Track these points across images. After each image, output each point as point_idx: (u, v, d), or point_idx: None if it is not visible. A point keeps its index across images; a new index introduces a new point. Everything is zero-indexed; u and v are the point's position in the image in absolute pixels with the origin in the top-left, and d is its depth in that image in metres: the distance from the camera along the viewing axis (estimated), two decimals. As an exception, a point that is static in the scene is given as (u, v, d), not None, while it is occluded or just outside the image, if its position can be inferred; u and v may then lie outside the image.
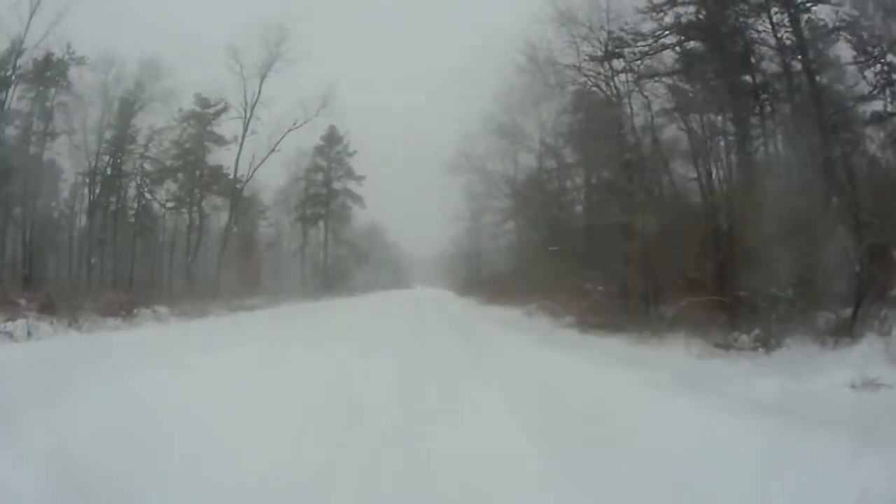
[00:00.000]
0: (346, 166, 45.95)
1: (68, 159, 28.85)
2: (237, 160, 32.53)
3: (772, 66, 19.67)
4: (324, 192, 45.70)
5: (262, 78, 32.09)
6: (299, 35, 31.56)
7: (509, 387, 9.87)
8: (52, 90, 26.98)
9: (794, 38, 18.94)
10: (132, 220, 31.22)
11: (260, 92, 32.13)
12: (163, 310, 22.61)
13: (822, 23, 18.49)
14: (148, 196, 31.94)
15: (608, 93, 25.03)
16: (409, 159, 46.04)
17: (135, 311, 21.03)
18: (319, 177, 45.94)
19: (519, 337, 18.41)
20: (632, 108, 24.26)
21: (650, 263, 17.39)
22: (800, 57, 18.74)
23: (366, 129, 41.55)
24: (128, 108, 29.61)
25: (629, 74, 24.08)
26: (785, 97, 19.50)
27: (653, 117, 23.44)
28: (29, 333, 15.19)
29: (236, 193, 33.16)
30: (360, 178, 45.47)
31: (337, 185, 45.87)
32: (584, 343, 16.23)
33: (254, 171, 32.68)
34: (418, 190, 45.38)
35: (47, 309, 17.85)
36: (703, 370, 11.25)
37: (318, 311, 29.93)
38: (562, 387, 9.83)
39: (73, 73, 27.78)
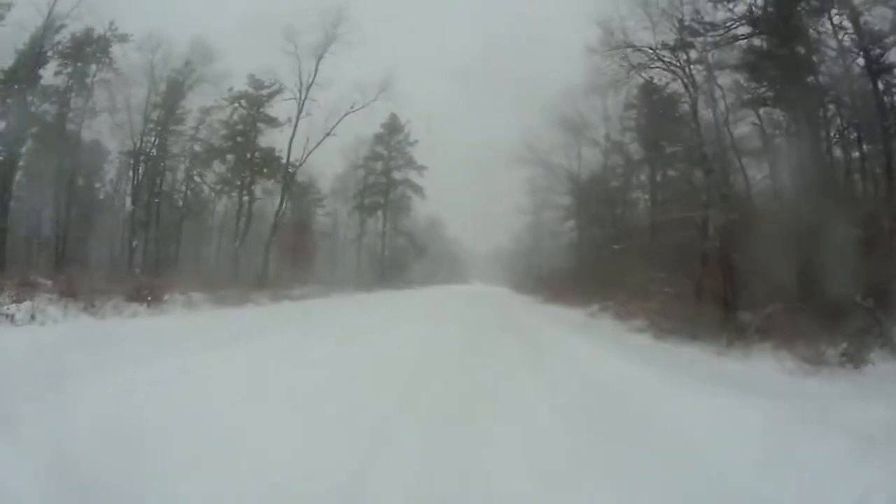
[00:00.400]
0: (406, 156, 44.51)
1: (111, 139, 28.19)
2: (290, 142, 31.16)
3: (835, 68, 19.20)
4: (383, 181, 44.34)
5: (319, 58, 30.74)
6: (358, 19, 30.29)
7: (587, 420, 7.54)
8: (93, 66, 26.22)
9: (854, 40, 18.33)
10: (180, 202, 30.51)
11: (316, 73, 30.79)
12: (198, 296, 21.51)
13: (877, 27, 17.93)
14: (197, 178, 31.06)
15: (685, 81, 23.04)
16: (471, 152, 44.12)
17: (165, 296, 19.91)
18: (379, 165, 44.64)
19: (587, 342, 16.43)
20: (711, 99, 22.51)
21: (729, 264, 15.21)
22: (861, 59, 18.21)
23: (426, 121, 40.35)
24: (176, 87, 28.70)
25: (700, 66, 22.68)
26: (847, 100, 19.05)
27: (727, 110, 22.03)
28: (32, 317, 14.13)
29: (288, 177, 31.81)
30: (421, 168, 43.93)
31: (397, 175, 44.44)
32: (662, 353, 14.13)
33: (308, 154, 31.35)
34: (479, 185, 43.33)
35: (68, 292, 16.79)
36: (807, 393, 9.60)
37: (367, 304, 28.75)
38: (658, 420, 7.63)
39: (117, 51, 27.08)
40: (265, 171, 31.62)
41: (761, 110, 21.42)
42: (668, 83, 24.42)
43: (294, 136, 30.91)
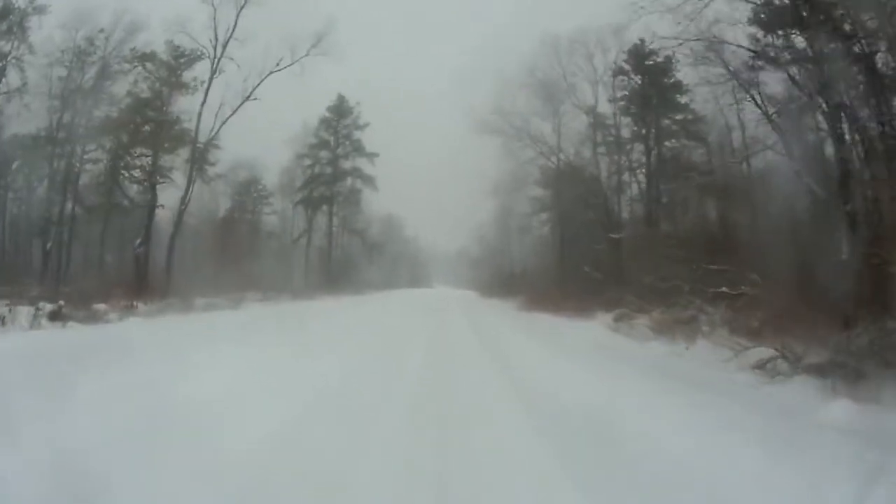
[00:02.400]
0: (356, 142, 38.97)
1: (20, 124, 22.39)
2: (200, 110, 25.12)
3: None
4: (330, 171, 38.63)
5: (240, 7, 24.90)
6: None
7: None
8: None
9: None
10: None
11: (236, 25, 24.91)
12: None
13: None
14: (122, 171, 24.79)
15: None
16: (429, 145, 40.76)
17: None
18: (325, 154, 38.98)
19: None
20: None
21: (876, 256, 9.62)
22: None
23: (380, 111, 36.69)
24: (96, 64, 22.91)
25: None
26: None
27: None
28: None
29: (196, 152, 25.58)
30: (372, 156, 38.69)
31: (345, 164, 38.92)
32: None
33: (222, 123, 25.20)
34: (439, 180, 39.02)
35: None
36: None
37: (290, 318, 21.87)
38: None
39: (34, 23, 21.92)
40: (165, 145, 25.08)
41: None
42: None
43: (206, 101, 24.85)
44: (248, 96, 24.83)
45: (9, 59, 21.29)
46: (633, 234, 21.46)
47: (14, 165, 23.09)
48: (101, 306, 17.31)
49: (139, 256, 23.97)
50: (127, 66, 24.08)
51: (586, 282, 21.41)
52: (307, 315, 21.59)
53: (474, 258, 45.91)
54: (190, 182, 25.31)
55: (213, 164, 26.97)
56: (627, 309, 15.48)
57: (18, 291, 17.19)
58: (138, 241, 24.06)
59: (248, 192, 35.14)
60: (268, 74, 25.21)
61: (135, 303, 19.25)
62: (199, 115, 24.76)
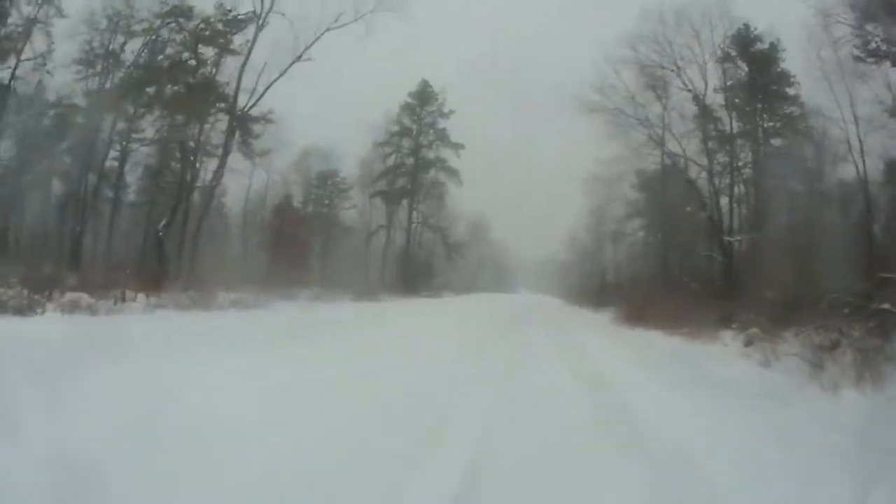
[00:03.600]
0: (440, 131, 35.87)
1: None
2: (241, 70, 22.03)
3: None
4: (410, 161, 35.62)
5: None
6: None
7: None
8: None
9: None
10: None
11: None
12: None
13: None
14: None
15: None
16: (520, 139, 39.60)
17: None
18: (406, 143, 36.01)
19: None
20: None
21: None
22: None
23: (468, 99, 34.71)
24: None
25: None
26: None
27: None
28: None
29: (235, 117, 22.41)
30: (457, 147, 35.61)
31: (428, 154, 35.78)
32: None
33: (267, 87, 22.12)
34: (530, 181, 37.87)
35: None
36: None
37: (331, 328, 16.57)
38: None
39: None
40: (199, 107, 21.75)
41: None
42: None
43: (248, 61, 21.68)
44: (300, 56, 21.72)
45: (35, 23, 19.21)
46: (754, 238, 17.43)
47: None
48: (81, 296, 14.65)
49: (162, 241, 21.12)
50: (157, 21, 21.34)
51: (693, 294, 17.45)
52: (337, 325, 17.34)
53: (562, 264, 42.10)
54: (225, 154, 22.33)
55: (256, 137, 23.92)
56: (758, 329, 11.54)
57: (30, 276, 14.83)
58: (163, 222, 21.23)
59: (325, 183, 32.97)
60: (324, 31, 21.98)
61: (134, 293, 16.42)
62: (240, 76, 21.76)
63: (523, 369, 10.62)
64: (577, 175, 24.59)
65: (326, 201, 33.22)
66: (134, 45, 21.24)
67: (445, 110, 35.75)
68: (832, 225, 17.43)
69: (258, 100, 21.86)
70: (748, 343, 11.63)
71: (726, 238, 18.11)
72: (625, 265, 29.20)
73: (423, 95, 36.22)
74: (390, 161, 35.70)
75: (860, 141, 16.45)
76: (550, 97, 36.74)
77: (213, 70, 21.89)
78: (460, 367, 10.28)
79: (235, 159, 23.76)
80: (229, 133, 21.81)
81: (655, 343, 15.10)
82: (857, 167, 16.78)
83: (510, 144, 40.97)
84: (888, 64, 15.43)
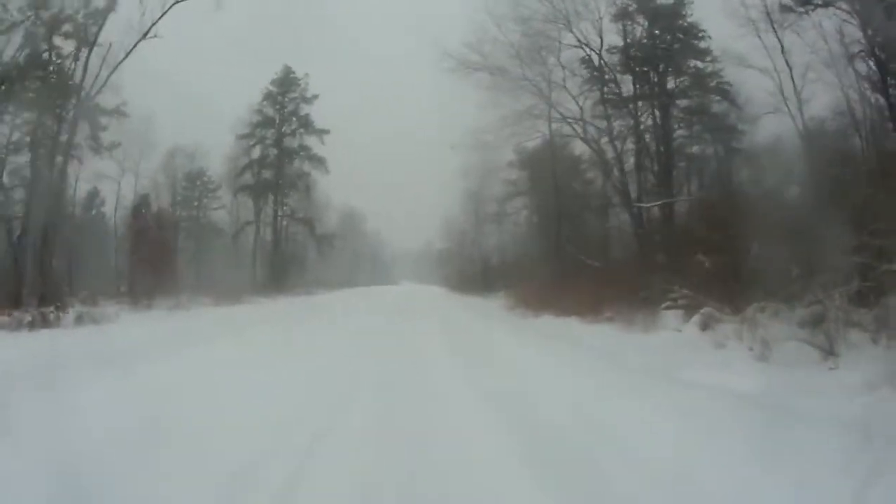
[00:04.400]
0: (303, 118, 33.59)
1: None
2: (88, 56, 18.89)
3: None
4: (274, 152, 33.20)
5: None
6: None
7: None
8: None
9: None
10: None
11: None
12: None
13: None
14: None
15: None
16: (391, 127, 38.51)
17: None
18: (269, 133, 33.52)
19: None
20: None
21: None
22: None
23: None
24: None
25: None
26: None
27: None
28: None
29: (80, 107, 19.38)
30: (321, 133, 33.39)
31: (292, 144, 33.48)
32: None
33: (114, 68, 18.56)
34: (403, 168, 38.43)
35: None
36: None
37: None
38: None
39: None
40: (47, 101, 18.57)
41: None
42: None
43: (96, 43, 18.59)
44: (146, 33, 18.78)
45: None
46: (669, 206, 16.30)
47: None
48: None
49: (17, 253, 17.99)
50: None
51: (600, 272, 16.24)
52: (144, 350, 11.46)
53: (441, 252, 40.78)
54: (68, 146, 18.80)
55: (104, 129, 21.05)
56: (711, 309, 10.08)
57: None
58: (17, 233, 18.20)
59: (193, 184, 30.44)
60: (172, 5, 19.17)
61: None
62: (87, 62, 18.70)
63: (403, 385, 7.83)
64: (454, 148, 22.54)
65: (196, 202, 30.71)
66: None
67: (308, 95, 33.50)
68: (759, 184, 16.16)
69: (102, 86, 18.79)
70: (705, 327, 10.19)
71: (637, 206, 16.70)
72: (510, 247, 28.04)
73: (286, 82, 33.83)
74: (255, 154, 33.20)
75: (796, 93, 14.97)
76: (425, 66, 34.59)
77: (73, 64, 18.75)
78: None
79: (107, 165, 22.36)
80: (72, 123, 18.68)
81: (578, 336, 12.72)
82: (794, 120, 15.22)
83: (383, 133, 39.34)
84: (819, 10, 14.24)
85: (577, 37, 18.98)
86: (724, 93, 18.56)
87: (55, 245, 19.04)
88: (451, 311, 23.06)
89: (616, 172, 17.94)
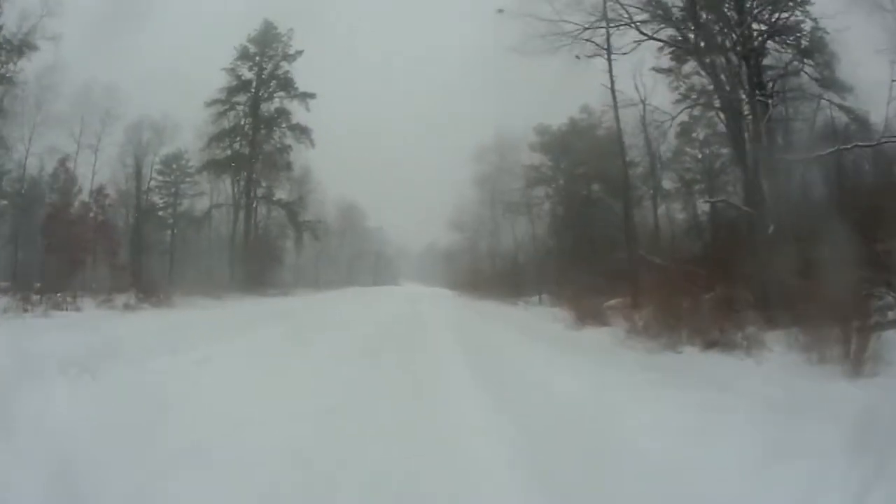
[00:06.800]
0: (283, 78, 27.37)
1: None
2: None
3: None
4: (248, 121, 27.11)
5: None
6: None
7: None
8: None
9: None
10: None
11: None
12: None
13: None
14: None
15: None
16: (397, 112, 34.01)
17: None
18: (244, 99, 27.38)
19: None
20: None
21: None
22: None
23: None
24: None
25: None
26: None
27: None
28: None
29: None
30: (305, 97, 27.18)
31: (269, 109, 27.55)
32: None
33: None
34: (409, 158, 32.56)
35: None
36: None
37: None
38: None
39: None
40: None
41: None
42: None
43: None
44: None
45: None
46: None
47: None
48: None
49: None
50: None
51: (689, 274, 10.10)
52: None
53: (450, 247, 35.07)
54: None
55: None
56: None
57: None
58: None
59: (170, 168, 26.27)
60: None
61: None
62: None
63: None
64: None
65: (173, 189, 26.44)
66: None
67: (291, 52, 27.34)
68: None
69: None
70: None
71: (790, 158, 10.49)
72: (538, 242, 22.10)
73: (265, 39, 27.67)
74: (225, 123, 27.04)
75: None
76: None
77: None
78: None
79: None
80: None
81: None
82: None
83: (386, 127, 34.31)
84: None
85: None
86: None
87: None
88: (491, 334, 14.12)
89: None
